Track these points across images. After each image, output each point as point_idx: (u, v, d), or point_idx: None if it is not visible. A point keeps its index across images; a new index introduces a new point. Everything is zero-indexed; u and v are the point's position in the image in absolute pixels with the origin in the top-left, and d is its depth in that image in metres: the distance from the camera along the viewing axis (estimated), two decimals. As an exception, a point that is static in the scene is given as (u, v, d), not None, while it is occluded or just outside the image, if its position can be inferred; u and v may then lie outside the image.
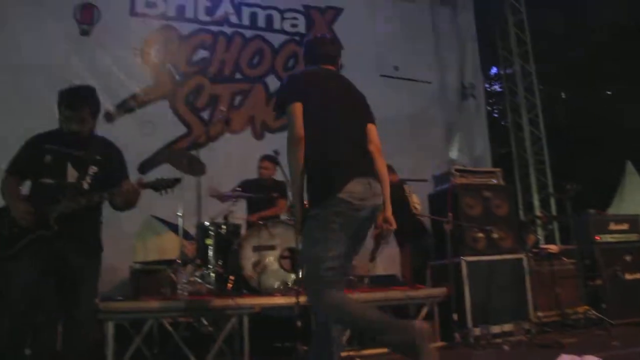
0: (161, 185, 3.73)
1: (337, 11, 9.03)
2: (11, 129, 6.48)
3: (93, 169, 3.68)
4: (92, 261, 3.69)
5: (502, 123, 14.65)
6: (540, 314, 6.25)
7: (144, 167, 7.59)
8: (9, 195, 3.64)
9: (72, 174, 3.64)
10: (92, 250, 3.72)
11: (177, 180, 3.77)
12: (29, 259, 3.46)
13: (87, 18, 7.88)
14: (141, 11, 8.19)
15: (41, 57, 7.45)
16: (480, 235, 6.31)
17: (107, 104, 7.60)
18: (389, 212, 3.44)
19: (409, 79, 9.27)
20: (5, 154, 5.60)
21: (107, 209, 3.83)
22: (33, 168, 3.65)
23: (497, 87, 16.85)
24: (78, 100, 3.62)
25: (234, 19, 8.54)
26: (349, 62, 8.65)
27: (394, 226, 3.46)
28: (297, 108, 3.21)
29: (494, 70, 16.15)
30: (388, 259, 7.35)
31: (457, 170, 6.64)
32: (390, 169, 6.84)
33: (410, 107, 9.17)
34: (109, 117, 7.68)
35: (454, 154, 9.60)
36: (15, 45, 7.42)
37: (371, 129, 3.48)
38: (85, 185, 3.62)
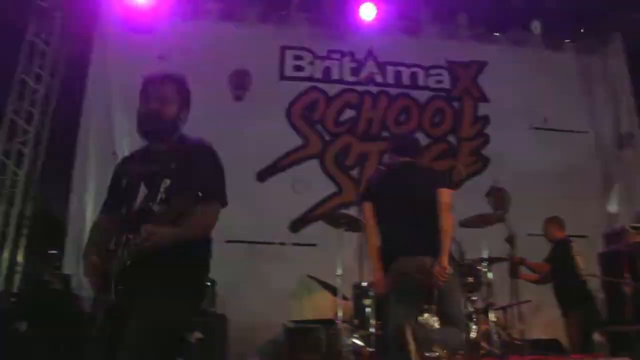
0: (181, 207, 2.64)
1: (481, 65, 8.88)
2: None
3: (165, 183, 2.74)
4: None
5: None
6: None
7: (296, 225, 7.73)
8: (86, 246, 3.02)
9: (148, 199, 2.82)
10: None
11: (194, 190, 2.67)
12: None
13: (240, 84, 8.27)
14: (290, 75, 8.49)
15: (197, 119, 7.86)
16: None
17: (261, 164, 7.91)
18: (443, 261, 4.02)
19: (562, 130, 8.83)
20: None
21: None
22: (115, 199, 3.00)
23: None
24: (161, 76, 3.05)
25: (379, 78, 8.63)
26: (496, 116, 8.60)
27: (446, 270, 4.00)
28: (366, 207, 4.41)
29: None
30: (547, 322, 6.95)
31: (633, 227, 6.18)
32: (556, 223, 6.53)
33: (563, 158, 8.70)
34: (262, 177, 7.93)
35: (613, 207, 8.98)
36: None
37: (441, 192, 4.21)
38: (156, 208, 2.70)
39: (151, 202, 2.74)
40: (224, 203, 2.96)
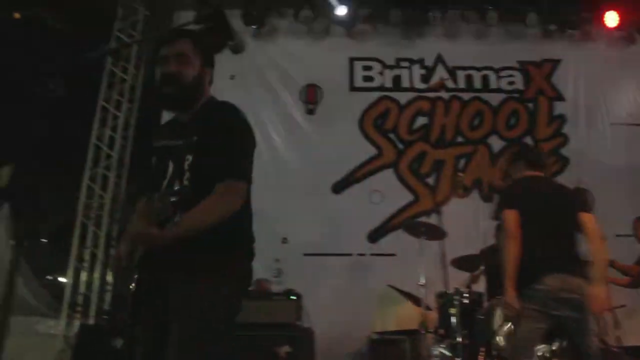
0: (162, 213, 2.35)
1: (555, 63, 8.64)
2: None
3: (188, 160, 2.47)
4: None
5: None
6: None
7: (375, 235, 7.74)
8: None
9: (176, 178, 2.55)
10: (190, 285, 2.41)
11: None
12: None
13: (312, 98, 8.38)
14: (360, 85, 8.53)
15: (271, 135, 8.09)
16: None
17: (336, 176, 7.98)
18: (602, 290, 3.87)
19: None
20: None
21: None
22: (148, 180, 2.68)
23: None
24: (176, 31, 2.73)
25: (450, 83, 8.53)
26: (573, 114, 8.35)
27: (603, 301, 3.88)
28: (511, 215, 4.09)
29: None
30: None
31: None
32: None
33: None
34: (337, 188, 7.99)
35: None
36: (253, 123, 8.04)
37: (588, 217, 4.05)
38: (177, 187, 2.46)
39: (178, 182, 2.47)
40: (247, 180, 2.52)
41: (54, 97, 2.78)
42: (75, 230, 7.71)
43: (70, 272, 7.55)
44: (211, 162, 2.36)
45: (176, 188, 2.46)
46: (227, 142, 2.51)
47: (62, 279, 8.29)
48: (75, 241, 7.64)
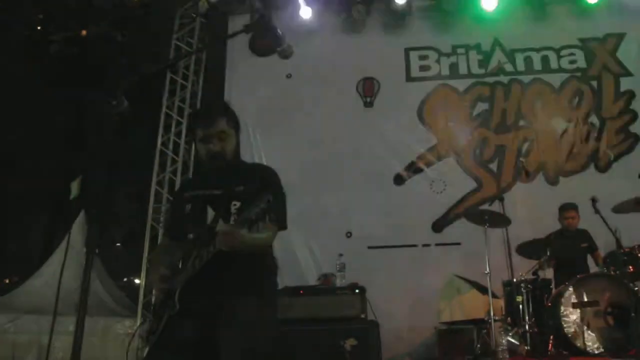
0: (256, 216, 2.67)
1: (619, 37, 8.31)
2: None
3: (235, 205, 2.92)
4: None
5: None
6: None
7: (439, 225, 7.69)
8: (152, 260, 3.36)
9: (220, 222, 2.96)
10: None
11: (266, 197, 2.68)
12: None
13: (369, 91, 8.39)
14: (416, 75, 8.47)
15: (330, 131, 8.14)
16: None
17: (397, 168, 7.96)
18: None
19: None
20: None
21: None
22: (179, 224, 3.13)
23: None
24: (211, 114, 3.07)
25: (508, 67, 8.35)
26: (643, 90, 8.01)
27: None
28: None
29: None
30: None
31: None
32: None
33: None
34: (399, 180, 7.97)
35: None
36: (308, 122, 8.25)
37: None
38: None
39: (224, 222, 2.87)
40: (284, 228, 3.00)
41: (118, 114, 2.94)
42: (145, 234, 8.00)
43: (143, 273, 7.85)
44: (262, 209, 2.67)
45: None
46: (277, 195, 2.89)
47: (136, 281, 8.64)
48: (147, 244, 7.93)
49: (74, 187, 5.46)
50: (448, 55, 8.47)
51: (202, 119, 3.08)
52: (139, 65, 8.80)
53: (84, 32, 10.00)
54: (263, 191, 2.69)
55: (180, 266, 3.03)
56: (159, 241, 7.92)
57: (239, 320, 2.73)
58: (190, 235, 3.01)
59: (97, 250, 7.73)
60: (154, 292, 3.10)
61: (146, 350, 2.99)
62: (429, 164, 8.02)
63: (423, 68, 8.47)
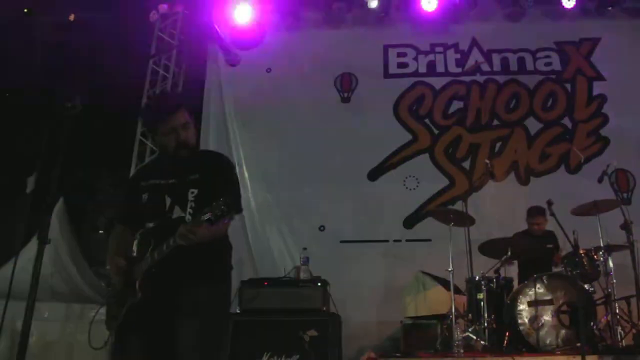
0: (217, 214, 2.71)
1: (594, 42, 8.42)
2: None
3: (193, 193, 3.07)
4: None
5: None
6: None
7: (410, 221, 7.81)
8: (109, 248, 3.29)
9: (177, 209, 3.09)
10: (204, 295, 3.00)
11: (232, 201, 2.76)
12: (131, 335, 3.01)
13: (346, 86, 8.50)
14: (394, 72, 8.57)
15: (307, 125, 8.31)
16: None
17: (371, 164, 8.08)
18: None
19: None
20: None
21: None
22: (135, 212, 3.21)
23: None
24: (171, 105, 3.18)
25: (485, 66, 8.46)
26: (614, 93, 8.12)
27: None
28: None
29: None
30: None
31: None
32: None
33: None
34: (373, 176, 8.08)
35: None
36: (286, 116, 8.37)
37: None
38: (188, 218, 2.99)
39: (182, 211, 3.04)
40: (240, 211, 3.12)
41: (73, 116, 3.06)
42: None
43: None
44: (221, 196, 2.76)
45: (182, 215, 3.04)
46: (234, 182, 3.21)
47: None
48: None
49: (30, 182, 5.56)
50: (426, 53, 8.58)
51: (165, 112, 3.16)
52: (120, 56, 8.83)
53: (71, 17, 9.99)
54: (222, 189, 2.84)
55: (135, 254, 3.16)
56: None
57: (194, 306, 2.91)
58: (149, 225, 3.11)
59: (74, 238, 7.85)
60: (112, 280, 3.20)
61: (111, 336, 3.14)
62: (402, 161, 8.12)
63: (401, 65, 8.57)
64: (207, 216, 2.71)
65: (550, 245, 6.52)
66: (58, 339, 7.00)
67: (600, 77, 8.20)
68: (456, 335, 5.57)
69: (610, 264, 5.76)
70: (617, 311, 5.56)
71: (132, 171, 8.31)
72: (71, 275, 7.94)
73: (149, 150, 8.38)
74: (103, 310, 3.32)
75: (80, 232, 9.39)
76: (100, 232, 11.59)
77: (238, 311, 5.75)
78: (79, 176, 10.03)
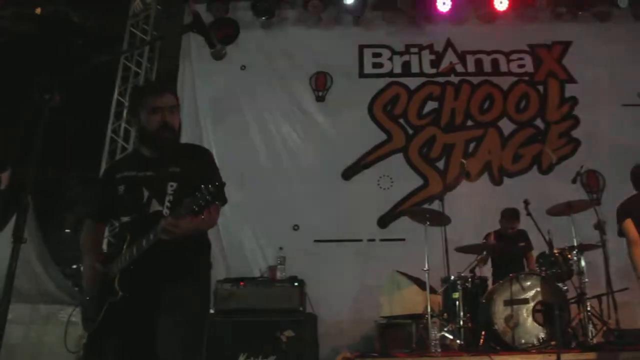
0: (201, 204, 2.57)
1: (565, 45, 8.55)
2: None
3: (172, 187, 2.95)
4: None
5: None
6: None
7: (384, 221, 7.81)
8: (82, 246, 3.15)
9: (154, 203, 2.96)
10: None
11: (215, 189, 2.58)
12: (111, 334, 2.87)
13: (321, 85, 8.47)
14: (369, 72, 8.57)
15: (281, 123, 8.30)
16: None
17: (345, 163, 8.06)
18: None
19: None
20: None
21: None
22: (110, 206, 3.09)
23: None
24: (163, 86, 3.18)
25: (459, 67, 8.52)
26: (585, 96, 8.26)
27: None
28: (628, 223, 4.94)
29: None
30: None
31: None
32: None
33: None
34: (347, 175, 8.06)
35: None
36: (260, 114, 8.35)
37: None
38: (166, 212, 2.87)
39: (159, 205, 2.92)
40: (225, 202, 2.96)
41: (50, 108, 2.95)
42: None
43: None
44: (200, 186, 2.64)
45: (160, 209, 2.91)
46: (215, 173, 3.05)
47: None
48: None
49: (4, 178, 5.42)
50: (401, 53, 8.60)
51: (154, 89, 3.15)
52: (92, 49, 8.68)
53: (38, 10, 9.78)
54: (204, 178, 2.64)
55: (107, 250, 3.06)
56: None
57: (178, 302, 2.81)
58: (124, 219, 2.99)
59: (40, 237, 7.67)
60: (83, 280, 3.04)
61: (85, 337, 2.98)
62: (377, 160, 8.12)
63: (376, 65, 8.57)
64: (190, 207, 2.58)
65: (522, 244, 6.60)
66: (21, 342, 6.83)
67: (572, 80, 8.32)
68: (433, 335, 5.56)
69: (583, 263, 5.83)
70: (589, 309, 5.63)
71: (102, 170, 8.18)
72: (38, 274, 7.76)
73: (120, 147, 8.24)
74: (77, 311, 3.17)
75: (47, 231, 9.14)
76: (67, 230, 11.39)
77: (212, 311, 5.68)
78: (45, 174, 9.82)
